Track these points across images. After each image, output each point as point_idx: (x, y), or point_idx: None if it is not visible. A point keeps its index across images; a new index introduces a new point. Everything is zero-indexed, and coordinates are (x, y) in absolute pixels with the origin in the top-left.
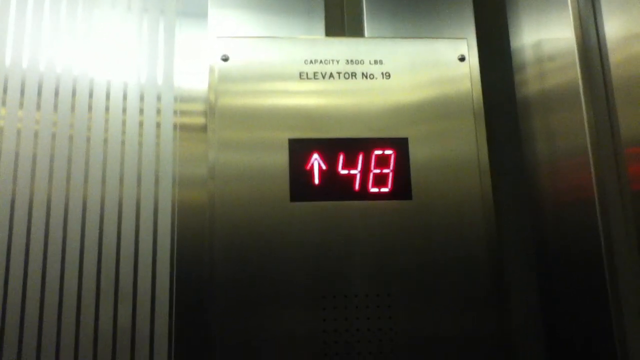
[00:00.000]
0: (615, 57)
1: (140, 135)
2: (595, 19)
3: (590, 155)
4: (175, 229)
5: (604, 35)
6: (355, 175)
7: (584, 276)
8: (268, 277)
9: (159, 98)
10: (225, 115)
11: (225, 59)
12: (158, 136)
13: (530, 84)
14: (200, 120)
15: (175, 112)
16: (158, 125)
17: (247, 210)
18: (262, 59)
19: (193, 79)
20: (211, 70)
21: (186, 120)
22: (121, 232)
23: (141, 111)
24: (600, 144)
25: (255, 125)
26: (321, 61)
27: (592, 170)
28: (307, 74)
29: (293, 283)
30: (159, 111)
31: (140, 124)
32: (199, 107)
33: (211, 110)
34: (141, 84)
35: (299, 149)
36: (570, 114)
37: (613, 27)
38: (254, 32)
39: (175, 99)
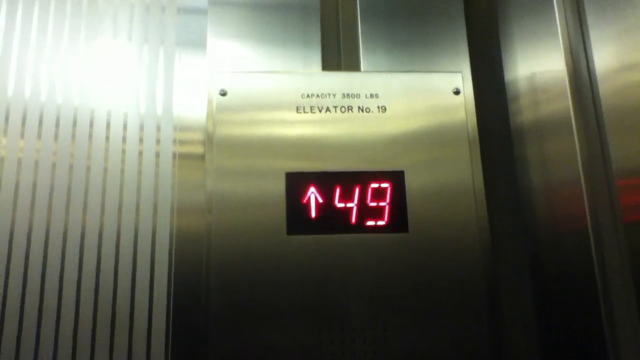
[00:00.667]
0: (605, 87)
1: (140, 164)
2: (585, 51)
3: (583, 184)
4: (173, 256)
5: (594, 66)
6: (351, 208)
7: (579, 304)
8: (264, 310)
9: (158, 128)
10: (222, 145)
11: (224, 94)
12: (157, 165)
13: (524, 114)
14: (198, 149)
15: (174, 142)
16: (157, 154)
17: (243, 242)
18: (259, 92)
19: (191, 108)
20: (209, 103)
21: (184, 149)
22: (119, 259)
23: (141, 140)
24: (593, 173)
25: (253, 156)
26: (318, 95)
27: (585, 199)
28: (304, 107)
29: (288, 315)
30: (158, 141)
31: (140, 153)
32: (198, 136)
33: (209, 141)
34: (141, 113)
35: (296, 182)
36: (563, 143)
37: (603, 59)
38: (251, 64)
39: (174, 128)
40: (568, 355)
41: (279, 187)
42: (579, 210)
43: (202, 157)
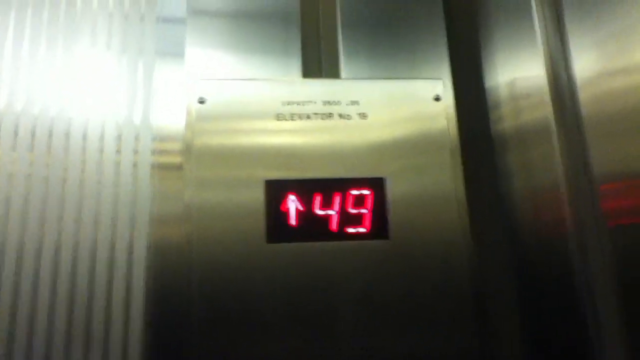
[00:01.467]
0: (585, 94)
1: (118, 175)
2: (565, 58)
3: (565, 190)
4: (151, 269)
5: (574, 73)
6: (332, 215)
7: (563, 307)
8: (246, 318)
9: (136, 138)
10: (201, 155)
11: (202, 102)
12: (135, 176)
13: (505, 121)
14: (176, 159)
15: (152, 152)
16: (135, 165)
17: (223, 252)
18: (239, 100)
19: (170, 119)
20: (188, 112)
21: (163, 159)
22: (95, 273)
23: (118, 151)
24: (574, 179)
25: (232, 166)
26: (298, 102)
27: (567, 205)
28: (284, 115)
29: (270, 325)
30: (136, 151)
31: (118, 164)
32: (176, 146)
33: (188, 150)
34: (119, 124)
35: (275, 190)
36: (544, 150)
37: (582, 66)
38: (231, 72)
39: (153, 139)
40: (552, 354)
41: (259, 195)
42: (561, 217)
43: (180, 167)
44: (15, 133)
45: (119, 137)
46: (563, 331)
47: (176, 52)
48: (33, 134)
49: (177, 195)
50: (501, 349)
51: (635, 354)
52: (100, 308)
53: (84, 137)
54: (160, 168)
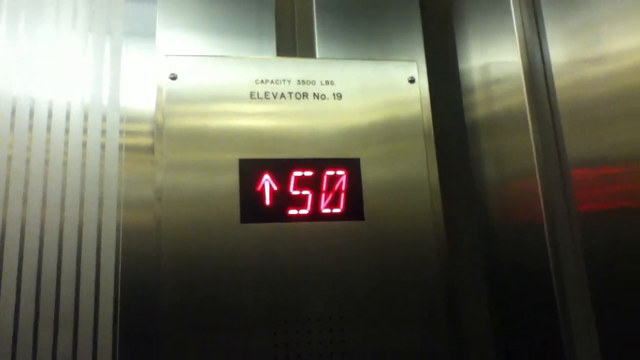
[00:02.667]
0: (560, 82)
1: (84, 156)
2: (540, 44)
3: (538, 177)
4: (120, 253)
5: (549, 60)
6: (307, 195)
7: (533, 294)
8: (217, 301)
9: (104, 118)
10: (173, 135)
11: (174, 78)
12: (103, 157)
13: (478, 105)
14: (147, 141)
15: (121, 133)
16: (103, 146)
17: (195, 233)
18: (211, 78)
19: (140, 100)
20: (159, 90)
21: (132, 141)
22: (62, 256)
23: (85, 131)
24: (547, 166)
25: (205, 146)
26: (272, 81)
27: (540, 191)
28: (258, 93)
29: (243, 307)
30: (104, 132)
31: (84, 145)
32: (146, 127)
33: (159, 131)
34: (85, 103)
35: (250, 169)
36: (517, 136)
37: (558, 53)
38: (203, 52)
39: (122, 120)
40: (524, 351)
41: (233, 175)
42: (534, 203)
43: (150, 148)
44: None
45: (85, 117)
46: (532, 318)
47: (146, 33)
48: None
49: (147, 178)
50: (470, 329)
51: (603, 342)
52: (69, 290)
53: (49, 116)
54: (130, 150)
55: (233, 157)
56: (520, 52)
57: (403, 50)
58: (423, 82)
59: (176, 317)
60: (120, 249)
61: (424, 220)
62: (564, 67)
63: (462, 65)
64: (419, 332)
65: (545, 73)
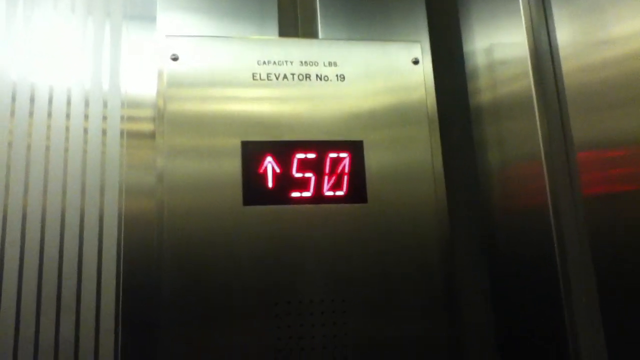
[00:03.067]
0: (567, 66)
1: (85, 142)
2: (547, 26)
3: (544, 161)
4: (122, 239)
5: (556, 43)
6: (309, 178)
7: (536, 279)
8: (220, 283)
9: (105, 104)
10: (174, 118)
11: (175, 59)
12: (104, 143)
13: (482, 88)
14: (148, 126)
15: (122, 118)
16: (104, 131)
17: (198, 216)
18: (213, 59)
19: (141, 84)
20: (160, 72)
21: (134, 126)
22: (64, 242)
23: (86, 117)
24: (553, 150)
25: (207, 128)
26: (274, 62)
27: (546, 177)
28: (260, 75)
29: (246, 289)
30: (105, 118)
31: (85, 131)
32: (148, 112)
33: (160, 114)
34: (86, 89)
35: (252, 151)
36: (523, 120)
37: (565, 35)
38: (205, 34)
39: (122, 105)
40: (526, 338)
41: (235, 158)
42: (539, 189)
43: (152, 134)
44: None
45: (86, 103)
46: (535, 300)
47: (147, 15)
48: None
49: (149, 163)
50: (471, 316)
51: (608, 329)
52: (71, 276)
53: (50, 102)
54: (131, 135)
55: (235, 139)
56: (527, 34)
57: (407, 31)
58: (427, 63)
59: (177, 300)
60: (123, 235)
61: (427, 204)
62: (572, 50)
63: (467, 47)
64: (419, 314)
65: (552, 55)
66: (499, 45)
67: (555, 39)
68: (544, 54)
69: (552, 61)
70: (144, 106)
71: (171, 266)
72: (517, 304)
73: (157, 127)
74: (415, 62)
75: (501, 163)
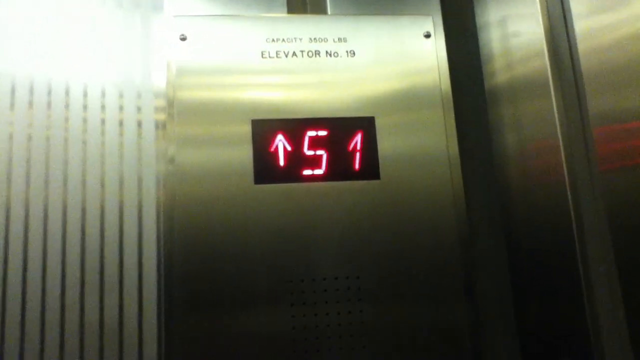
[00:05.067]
0: (584, 46)
1: (121, 134)
2: (562, 3)
3: (561, 141)
4: (162, 229)
5: (572, 21)
6: (321, 156)
7: (555, 256)
8: (233, 262)
9: (139, 95)
10: (184, 98)
11: (184, 39)
12: (139, 135)
13: (496, 66)
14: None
15: (156, 110)
16: (139, 123)
17: (209, 195)
18: (221, 37)
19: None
20: (169, 52)
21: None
22: (104, 235)
23: (121, 109)
24: (570, 130)
25: (217, 107)
26: (283, 39)
27: (563, 156)
28: (269, 52)
29: (259, 267)
30: (139, 109)
31: (120, 123)
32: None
33: (170, 101)
34: (119, 82)
35: (263, 130)
36: (539, 99)
37: (582, 17)
38: (213, 13)
39: (155, 96)
40: (543, 305)
41: (246, 136)
42: (556, 171)
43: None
44: (12, 92)
45: (120, 96)
46: (554, 278)
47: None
48: (31, 92)
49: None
50: (491, 301)
51: (628, 302)
52: (112, 270)
53: (84, 95)
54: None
55: (246, 118)
56: (542, 12)
57: (417, 4)
58: (439, 36)
59: (191, 280)
60: (162, 224)
61: (441, 177)
62: (588, 27)
63: (480, 21)
64: (434, 292)
65: (567, 34)
66: (513, 19)
67: (571, 18)
68: (559, 32)
69: (568, 39)
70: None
71: (185, 244)
72: (537, 285)
73: (169, 107)
74: (427, 35)
75: (517, 139)
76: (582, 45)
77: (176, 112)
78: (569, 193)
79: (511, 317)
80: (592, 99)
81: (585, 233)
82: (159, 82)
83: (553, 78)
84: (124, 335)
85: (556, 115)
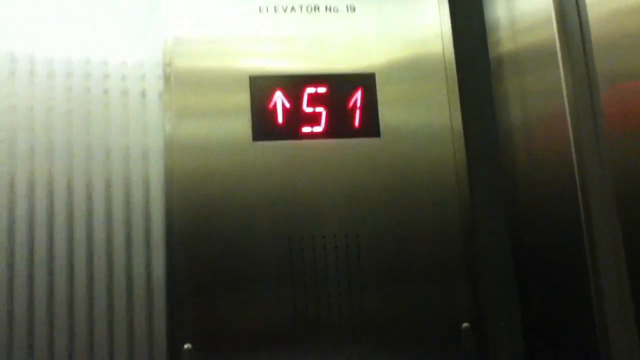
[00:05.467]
0: (594, 13)
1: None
2: None
3: (568, 112)
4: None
5: None
6: (320, 113)
7: (561, 234)
8: (232, 219)
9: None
10: (181, 54)
11: None
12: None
13: (501, 31)
14: None
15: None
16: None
17: (208, 151)
18: None
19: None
20: (166, 8)
21: None
22: (111, 206)
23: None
24: (578, 100)
25: (214, 62)
26: None
27: (570, 128)
28: (267, 7)
29: (258, 225)
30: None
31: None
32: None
33: (168, 57)
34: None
35: (261, 86)
36: (546, 70)
37: None
38: None
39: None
40: (549, 296)
41: (244, 92)
42: (563, 145)
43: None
44: (32, 73)
45: (124, 65)
46: (557, 249)
47: None
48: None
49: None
50: (492, 272)
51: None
52: (120, 238)
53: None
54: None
55: (243, 74)
56: None
57: None
58: (443, 2)
59: (191, 237)
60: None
61: (442, 134)
62: None
63: None
64: (433, 248)
65: (577, 5)
66: None
67: None
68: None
69: (577, 6)
70: None
71: (184, 202)
72: (542, 261)
73: (165, 76)
74: None
75: (523, 115)
76: (593, 13)
77: (174, 71)
78: (576, 168)
79: (510, 263)
80: (601, 68)
81: (593, 211)
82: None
83: (561, 47)
84: (134, 285)
85: (564, 86)
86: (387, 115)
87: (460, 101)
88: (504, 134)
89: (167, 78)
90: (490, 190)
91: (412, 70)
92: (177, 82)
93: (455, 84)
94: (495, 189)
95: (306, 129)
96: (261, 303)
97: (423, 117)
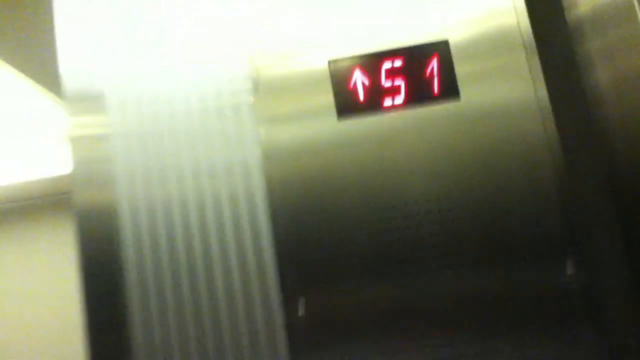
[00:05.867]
0: None
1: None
2: None
3: None
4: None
5: None
6: (399, 86)
7: None
8: (328, 197)
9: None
10: (266, 61)
11: None
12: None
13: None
14: None
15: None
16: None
17: (295, 132)
18: None
19: None
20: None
21: None
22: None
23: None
24: None
25: (294, 49)
26: None
27: None
28: None
29: (352, 196)
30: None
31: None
32: None
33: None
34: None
35: (340, 68)
36: (627, 24)
37: None
38: None
39: None
40: None
41: (324, 76)
42: None
43: None
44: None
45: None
46: None
47: None
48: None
49: None
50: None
51: None
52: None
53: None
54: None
55: (323, 58)
56: None
57: None
58: None
59: (294, 234)
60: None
61: (527, 102)
62: None
63: None
64: (531, 221)
65: None
66: None
67: None
68: None
69: None
70: None
71: (279, 179)
72: None
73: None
74: None
75: (612, 76)
76: None
77: (262, 79)
78: None
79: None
80: None
81: None
82: None
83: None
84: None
85: None
86: (465, 77)
87: (543, 70)
88: (593, 96)
89: (255, 87)
90: (584, 152)
91: (488, 47)
92: (265, 89)
93: (536, 56)
94: (589, 150)
95: (387, 102)
96: (362, 268)
97: (504, 83)
